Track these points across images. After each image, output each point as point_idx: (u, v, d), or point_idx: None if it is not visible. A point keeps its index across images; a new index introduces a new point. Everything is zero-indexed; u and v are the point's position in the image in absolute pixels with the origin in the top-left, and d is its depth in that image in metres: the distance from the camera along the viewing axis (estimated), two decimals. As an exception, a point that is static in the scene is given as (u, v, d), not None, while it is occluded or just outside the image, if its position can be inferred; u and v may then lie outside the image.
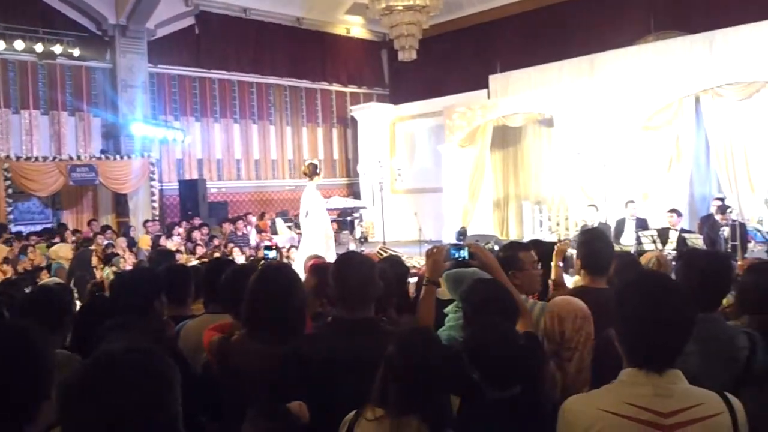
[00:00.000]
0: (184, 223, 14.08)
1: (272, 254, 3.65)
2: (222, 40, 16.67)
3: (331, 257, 8.10)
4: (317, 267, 3.68)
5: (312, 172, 9.64)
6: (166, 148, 16.21)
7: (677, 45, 13.89)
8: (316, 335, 2.71)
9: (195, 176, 16.64)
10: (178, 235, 13.21)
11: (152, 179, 15.03)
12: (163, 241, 12.38)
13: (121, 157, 14.58)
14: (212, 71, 17.02)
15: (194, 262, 10.31)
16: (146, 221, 14.06)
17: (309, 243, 9.45)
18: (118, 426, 1.29)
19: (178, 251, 11.08)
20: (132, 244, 12.46)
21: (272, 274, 2.72)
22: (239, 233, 13.75)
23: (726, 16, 13.29)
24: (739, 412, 1.80)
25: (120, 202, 15.00)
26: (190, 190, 15.63)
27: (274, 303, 2.57)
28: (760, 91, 11.87)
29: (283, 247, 11.99)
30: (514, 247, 3.52)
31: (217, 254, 11.35)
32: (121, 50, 14.89)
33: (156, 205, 15.15)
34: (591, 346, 2.79)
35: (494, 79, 16.83)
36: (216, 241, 12.89)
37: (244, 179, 17.98)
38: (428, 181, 17.68)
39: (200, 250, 12.02)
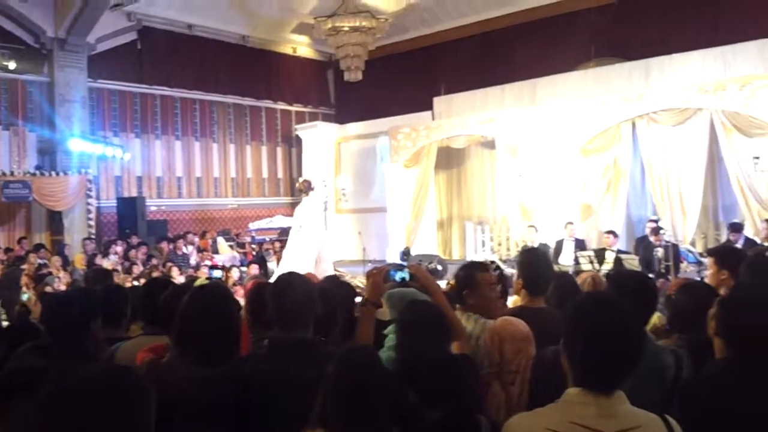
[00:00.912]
0: (121, 242, 13.71)
1: (217, 274, 3.56)
2: (165, 56, 16.38)
3: (324, 272, 8.69)
4: (257, 287, 3.62)
5: (306, 188, 10.20)
6: (105, 164, 15.80)
7: (615, 71, 14.39)
8: (253, 356, 2.65)
9: (134, 194, 16.24)
10: (115, 254, 12.87)
11: (89, 196, 14.60)
12: (99, 260, 12.04)
13: (57, 174, 14.13)
14: (154, 87, 16.71)
15: (132, 282, 10.05)
16: (85, 239, 13.65)
17: (297, 256, 9.82)
18: None
19: (114, 270, 10.77)
20: (66, 263, 12.07)
21: (204, 294, 2.64)
22: (179, 252, 13.47)
23: (661, 45, 13.86)
24: None
25: (55, 220, 14.49)
26: (129, 207, 15.25)
27: (204, 324, 2.47)
28: (692, 117, 12.36)
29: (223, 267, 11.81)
30: (473, 266, 3.50)
31: (155, 274, 11.08)
32: (60, 64, 14.46)
33: (92, 222, 14.71)
34: (526, 374, 2.80)
35: (438, 101, 17.07)
36: (154, 261, 12.60)
37: (185, 197, 17.65)
38: (372, 201, 17.74)
39: (138, 270, 11.71)
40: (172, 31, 16.39)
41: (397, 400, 2.14)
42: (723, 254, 4.10)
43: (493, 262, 8.44)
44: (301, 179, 11.25)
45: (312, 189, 10.42)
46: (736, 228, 9.90)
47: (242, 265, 13.17)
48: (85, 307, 3.04)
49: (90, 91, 15.28)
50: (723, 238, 10.94)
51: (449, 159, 16.57)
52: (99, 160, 15.30)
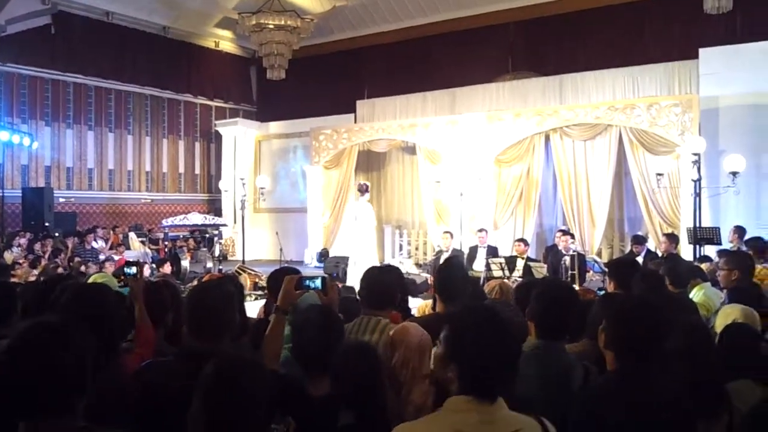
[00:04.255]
0: (27, 234, 13.09)
1: (133, 270, 3.48)
2: (81, 43, 15.73)
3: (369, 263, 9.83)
4: (149, 286, 3.56)
5: (364, 189, 11.93)
6: (11, 152, 15.07)
7: (531, 85, 14.88)
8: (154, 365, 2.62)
9: (42, 184, 15.56)
10: (19, 246, 12.29)
11: (-8, 185, 13.90)
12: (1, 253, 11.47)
13: (-43, 159, 13.40)
14: (67, 74, 16.05)
15: (36, 276, 9.63)
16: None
17: (360, 246, 11.80)
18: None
19: (17, 264, 10.30)
20: (-36, 254, 11.45)
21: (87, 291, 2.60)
22: (87, 247, 12.99)
23: (575, 62, 14.46)
24: None
25: (-48, 208, 13.74)
26: (36, 198, 14.56)
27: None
28: (602, 133, 12.93)
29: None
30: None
31: (60, 269, 10.66)
32: (-36, 45, 13.74)
33: (-5, 213, 14.02)
34: (425, 382, 2.82)
35: (361, 105, 17.17)
36: (62, 255, 12.12)
37: (96, 189, 17.03)
38: (292, 201, 17.65)
39: (42, 264, 11.23)
40: (88, 17, 15.78)
41: (281, 405, 2.14)
42: (616, 267, 4.32)
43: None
44: (360, 182, 12.87)
45: (368, 191, 12.10)
46: (639, 240, 10.39)
47: (154, 262, 12.83)
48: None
49: (-2, 74, 14.55)
50: (627, 250, 11.46)
51: (370, 162, 16.67)
52: (5, 147, 14.57)
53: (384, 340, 2.97)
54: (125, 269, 3.53)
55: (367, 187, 12.45)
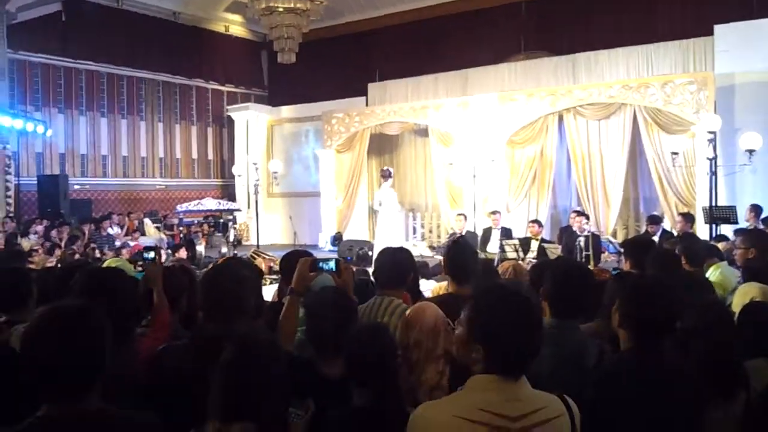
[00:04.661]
0: (44, 221, 13.20)
1: (151, 255, 3.49)
2: (92, 30, 15.75)
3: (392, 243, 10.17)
4: (169, 270, 3.57)
5: (387, 175, 12.65)
6: (25, 140, 15.17)
7: (543, 65, 14.75)
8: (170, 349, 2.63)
9: (56, 171, 15.65)
10: (36, 233, 12.40)
11: (8, 173, 14.01)
12: (18, 240, 11.58)
13: (-27, 148, 13.51)
14: (79, 61, 16.10)
15: (53, 263, 9.72)
16: (3, 218, 13.09)
17: (384, 230, 12.49)
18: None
19: (33, 251, 10.39)
20: (-17, 242, 11.56)
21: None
22: (103, 233, 13.08)
23: (588, 41, 14.30)
24: (576, 413, 1.92)
25: (-31, 197, 13.86)
26: (51, 185, 14.68)
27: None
28: (616, 112, 12.80)
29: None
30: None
31: (77, 255, 10.75)
32: (-24, 33, 13.78)
33: (11, 201, 14.12)
34: (440, 362, 2.82)
35: (372, 88, 17.10)
36: (78, 242, 12.21)
37: (110, 176, 17.14)
38: (305, 186, 17.66)
39: (59, 251, 11.32)
40: (99, 3, 15.78)
41: (298, 385, 2.16)
42: (631, 247, 4.28)
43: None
44: (385, 167, 13.40)
45: (391, 176, 12.70)
46: (655, 220, 10.29)
47: (169, 247, 12.90)
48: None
49: (10, 62, 14.59)
50: (643, 230, 11.38)
51: (382, 145, 16.63)
52: (19, 135, 14.67)
53: (400, 321, 2.97)
54: (143, 254, 3.54)
55: (390, 172, 12.94)
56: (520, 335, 1.82)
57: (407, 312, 2.99)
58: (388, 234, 12.29)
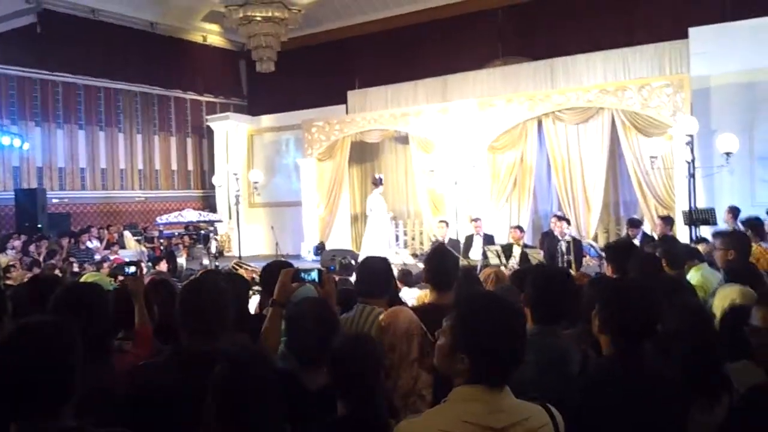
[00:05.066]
0: (22, 236, 13.02)
1: (132, 269, 3.44)
2: (67, 41, 15.57)
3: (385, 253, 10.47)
4: (151, 284, 3.53)
5: (378, 182, 12.92)
6: (2, 153, 14.99)
7: (522, 70, 14.83)
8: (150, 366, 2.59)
9: (34, 185, 15.47)
10: (13, 248, 12.23)
11: (-16, 187, 13.83)
12: (-6, 255, 11.42)
13: (-53, 163, 13.32)
14: (56, 74, 15.94)
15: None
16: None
17: (371, 237, 12.67)
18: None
19: (11, 266, 10.24)
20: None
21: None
22: (82, 247, 12.93)
23: (564, 46, 14.40)
24: (560, 422, 1.91)
25: (-56, 212, 13.66)
26: (29, 199, 14.52)
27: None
28: (595, 116, 12.90)
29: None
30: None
31: (57, 270, 10.60)
32: (-51, 46, 13.60)
33: (-13, 215, 13.95)
34: (414, 367, 2.80)
35: (352, 95, 17.10)
36: (57, 256, 12.06)
37: (89, 189, 16.96)
38: (286, 195, 17.58)
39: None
40: (74, 15, 15.62)
41: (290, 398, 2.14)
42: (613, 251, 4.29)
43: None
44: (375, 175, 13.69)
45: (381, 184, 12.96)
46: (635, 224, 10.36)
47: (150, 260, 12.77)
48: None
49: (-16, 76, 14.43)
50: (623, 233, 11.45)
51: (363, 153, 16.62)
52: (-5, 150, 14.50)
53: (375, 326, 2.96)
54: (125, 268, 3.49)
55: (381, 180, 13.13)
56: (504, 343, 1.81)
57: (380, 317, 2.99)
58: (376, 241, 12.37)
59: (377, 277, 3.42)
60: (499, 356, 1.80)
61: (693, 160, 10.12)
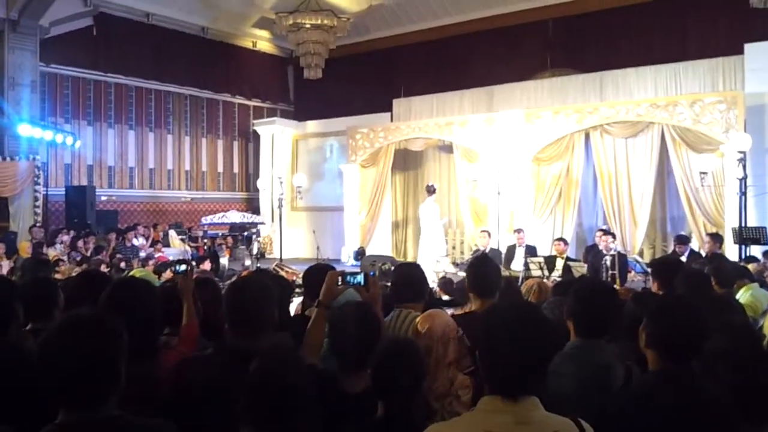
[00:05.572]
0: (70, 231, 13.37)
1: (182, 268, 3.49)
2: (121, 44, 16.03)
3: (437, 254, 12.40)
4: (198, 282, 3.57)
5: (432, 190, 13.21)
6: (55, 151, 15.43)
7: (570, 82, 14.67)
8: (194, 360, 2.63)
9: (84, 182, 15.87)
10: (62, 243, 12.55)
11: (37, 183, 14.22)
12: (44, 249, 11.73)
13: (4, 159, 13.74)
14: (109, 75, 16.36)
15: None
16: (32, 227, 13.29)
17: (427, 244, 13.05)
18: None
19: (59, 260, 10.51)
20: (12, 250, 11.73)
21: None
22: (128, 244, 13.21)
23: (614, 59, 14.19)
24: None
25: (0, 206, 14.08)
26: (78, 196, 14.88)
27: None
28: (644, 130, 12.67)
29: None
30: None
31: (104, 266, 10.84)
32: (10, 46, 14.01)
33: (39, 210, 14.33)
34: (450, 370, 2.78)
35: (397, 103, 17.15)
36: (103, 252, 12.33)
37: (137, 188, 17.34)
38: (329, 200, 17.69)
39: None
40: (129, 18, 16.07)
41: (323, 399, 2.16)
42: (659, 267, 4.21)
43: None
44: (429, 183, 13.81)
45: (435, 192, 13.22)
46: (683, 240, 10.13)
47: (194, 259, 12.98)
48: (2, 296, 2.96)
49: (42, 75, 14.88)
50: (670, 250, 11.21)
51: (406, 161, 16.64)
52: (49, 147, 14.92)
53: (412, 330, 2.97)
54: (176, 267, 3.54)
55: (435, 188, 13.38)
56: (516, 354, 1.78)
57: (416, 319, 2.99)
58: (430, 247, 12.72)
59: (412, 283, 3.50)
60: (507, 366, 1.78)
61: (745, 178, 9.88)
